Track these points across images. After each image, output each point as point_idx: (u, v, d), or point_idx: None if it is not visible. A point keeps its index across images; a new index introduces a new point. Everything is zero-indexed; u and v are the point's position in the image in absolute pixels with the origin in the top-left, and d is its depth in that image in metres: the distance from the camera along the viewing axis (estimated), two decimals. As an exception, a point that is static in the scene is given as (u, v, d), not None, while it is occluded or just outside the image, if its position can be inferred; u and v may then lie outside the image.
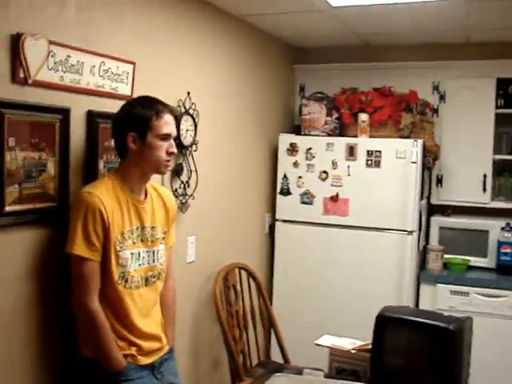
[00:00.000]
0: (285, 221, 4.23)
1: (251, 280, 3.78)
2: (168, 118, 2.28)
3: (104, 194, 2.18)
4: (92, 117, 2.45)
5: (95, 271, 2.17)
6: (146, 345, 2.32)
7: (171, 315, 2.58)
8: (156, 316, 2.44)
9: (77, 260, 2.15)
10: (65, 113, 2.31)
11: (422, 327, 2.57)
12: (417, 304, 4.05)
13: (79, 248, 2.13)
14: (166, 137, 2.27)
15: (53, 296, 2.33)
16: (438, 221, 4.25)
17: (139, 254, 2.31)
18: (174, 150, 2.32)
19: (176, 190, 3.12)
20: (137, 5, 2.74)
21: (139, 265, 2.31)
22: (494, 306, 3.89)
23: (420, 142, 3.86)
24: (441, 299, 3.98)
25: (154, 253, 2.38)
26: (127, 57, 2.64)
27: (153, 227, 2.38)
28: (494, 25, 3.79)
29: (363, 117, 4.01)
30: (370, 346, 2.61)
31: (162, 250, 2.43)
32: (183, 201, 3.17)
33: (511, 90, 4.19)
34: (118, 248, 2.22)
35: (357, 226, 4.02)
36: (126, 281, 2.25)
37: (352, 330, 3.28)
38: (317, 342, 2.84)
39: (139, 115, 2.24)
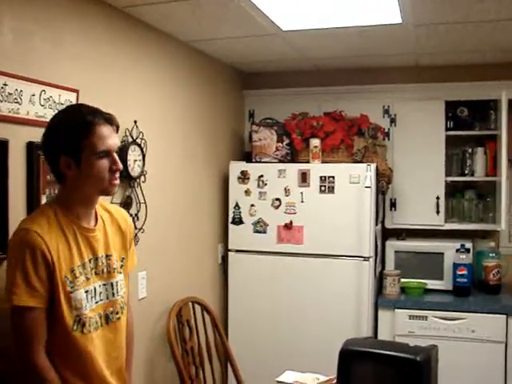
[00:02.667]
0: (238, 251, 4.10)
1: (206, 314, 3.63)
2: (103, 131, 1.92)
3: (44, 229, 1.87)
4: (32, 149, 2.27)
5: (39, 320, 1.86)
6: None
7: (129, 355, 2.26)
8: (120, 362, 2.14)
9: (17, 311, 1.84)
10: (2, 145, 2.14)
11: (388, 359, 2.51)
12: (376, 330, 3.98)
13: (19, 298, 1.82)
14: (104, 154, 1.93)
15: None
16: (393, 245, 4.21)
17: (95, 289, 2.00)
18: (119, 165, 1.98)
19: (125, 223, 2.97)
20: (79, 31, 2.61)
21: (96, 302, 2.01)
22: (452, 329, 3.85)
23: (373, 166, 3.82)
24: (399, 324, 3.92)
25: (112, 285, 2.08)
26: (70, 84, 2.50)
27: (107, 256, 2.08)
28: (442, 48, 3.81)
29: (315, 142, 3.95)
30: (334, 381, 2.52)
31: (122, 280, 2.13)
32: (133, 234, 3.01)
33: (459, 112, 4.23)
34: (68, 289, 1.90)
35: (312, 254, 3.93)
36: (84, 325, 1.94)
37: (314, 362, 3.19)
38: (278, 379, 2.72)
39: (66, 135, 1.90)
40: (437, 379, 2.66)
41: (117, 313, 2.11)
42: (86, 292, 1.97)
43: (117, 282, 2.11)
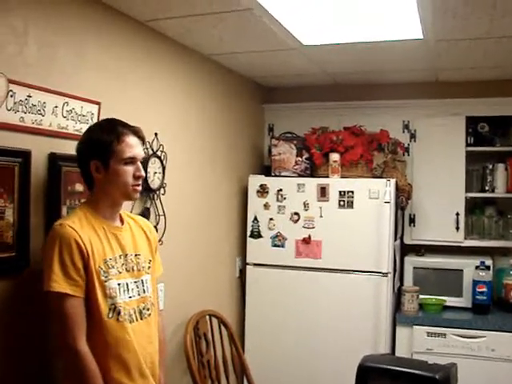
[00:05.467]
0: (256, 264, 4.09)
1: (223, 327, 3.62)
2: (131, 141, 2.14)
3: (76, 224, 2.03)
4: (54, 160, 2.31)
5: (80, 309, 1.98)
6: None
7: (162, 356, 2.37)
8: (154, 358, 2.23)
9: (57, 298, 1.95)
10: (25, 156, 2.17)
11: (406, 377, 2.49)
12: (393, 347, 3.93)
13: (58, 284, 1.94)
14: (130, 160, 2.13)
15: (16, 353, 2.15)
16: (411, 261, 4.17)
17: (127, 285, 2.13)
18: (142, 173, 2.18)
19: (144, 235, 2.98)
20: (102, 43, 2.64)
21: (129, 297, 2.13)
22: (472, 347, 3.79)
23: (393, 181, 3.80)
24: (418, 341, 3.87)
25: (142, 282, 2.21)
26: (92, 96, 2.52)
27: (136, 255, 2.22)
28: (461, 64, 3.81)
29: (334, 156, 3.95)
30: (351, 398, 2.49)
31: (150, 280, 2.26)
32: (151, 246, 3.02)
33: (480, 127, 4.20)
34: (102, 278, 2.03)
35: (331, 269, 3.91)
36: (119, 313, 2.06)
37: (331, 378, 3.17)
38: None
39: (99, 141, 2.11)
40: (456, 398, 2.63)
41: (148, 309, 2.21)
42: (119, 285, 2.10)
43: (146, 280, 2.24)
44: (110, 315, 2.03)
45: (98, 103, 2.56)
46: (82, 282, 1.99)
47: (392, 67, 3.91)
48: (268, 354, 4.02)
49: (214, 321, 3.59)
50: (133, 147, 2.14)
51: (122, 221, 2.25)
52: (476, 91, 4.15)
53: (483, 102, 4.10)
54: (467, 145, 4.14)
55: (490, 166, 4.20)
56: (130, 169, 2.13)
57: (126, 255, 2.17)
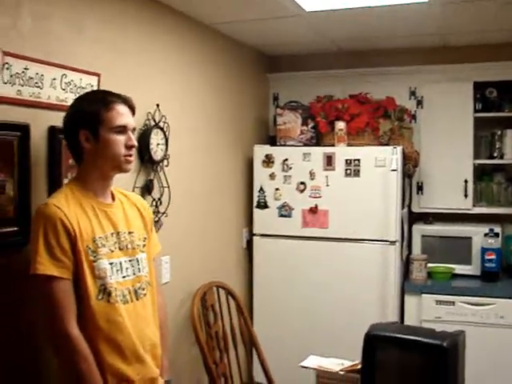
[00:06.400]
0: (263, 235, 4.08)
1: (230, 298, 3.62)
2: (121, 109, 2.04)
3: (62, 202, 1.93)
4: (54, 133, 2.27)
5: (68, 291, 1.89)
6: (142, 373, 2.06)
7: (164, 339, 2.25)
8: (154, 340, 2.14)
9: (44, 281, 1.87)
10: (24, 129, 2.14)
11: (414, 345, 2.46)
12: (402, 315, 3.93)
13: (43, 267, 1.85)
14: (121, 129, 2.03)
15: (14, 333, 2.13)
16: (420, 229, 4.14)
17: (121, 264, 2.03)
18: (134, 142, 2.08)
19: (148, 207, 2.96)
20: (99, 14, 2.59)
21: (123, 277, 2.03)
22: (480, 315, 3.79)
23: (399, 148, 3.76)
24: (426, 310, 3.87)
25: (137, 261, 2.11)
26: (91, 68, 2.48)
27: (130, 232, 2.12)
28: (469, 28, 3.74)
29: (340, 125, 3.90)
30: (359, 367, 2.48)
31: (145, 258, 2.16)
32: (155, 219, 2.99)
33: (489, 93, 4.13)
34: (91, 258, 1.94)
35: (338, 238, 3.90)
36: (109, 294, 1.96)
37: (338, 347, 3.16)
38: (302, 364, 2.69)
39: (87, 109, 2.01)
40: (464, 366, 2.61)
41: (143, 289, 2.13)
42: (111, 264, 2.01)
43: (141, 259, 2.14)
44: (100, 297, 1.95)
45: (98, 75, 2.52)
46: (70, 263, 1.90)
47: (397, 32, 3.84)
48: (276, 325, 4.03)
49: (222, 292, 3.59)
50: (123, 115, 2.04)
51: (113, 198, 2.15)
52: (484, 56, 4.06)
53: (491, 67, 4.02)
54: (475, 111, 4.08)
55: (499, 132, 4.13)
56: (121, 138, 2.03)
57: (119, 233, 2.07)
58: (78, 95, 2.32)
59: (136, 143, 2.10)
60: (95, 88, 2.49)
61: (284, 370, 3.51)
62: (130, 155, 2.08)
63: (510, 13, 3.33)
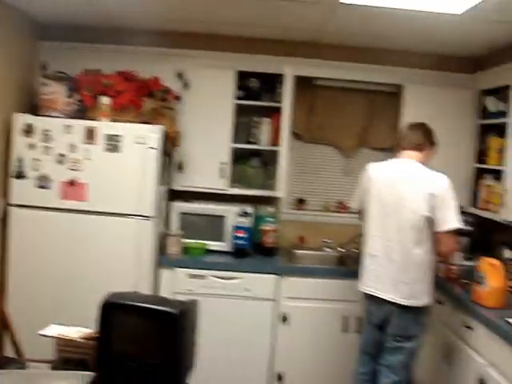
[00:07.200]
0: (20, 206, 3.97)
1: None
2: None
3: None
4: None
5: None
6: None
7: None
8: None
9: None
10: None
11: (146, 312, 2.60)
12: (157, 288, 4.08)
13: None
14: None
15: None
16: (178, 206, 4.32)
17: None
18: None
19: None
20: None
21: None
22: (229, 288, 4.08)
23: (160, 127, 3.88)
24: (179, 283, 4.07)
25: None
26: None
27: None
28: (237, 20, 3.95)
29: (104, 100, 3.92)
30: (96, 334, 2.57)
31: None
32: None
33: (251, 82, 4.42)
34: None
35: (96, 212, 3.93)
36: None
37: (89, 319, 3.19)
38: (41, 332, 2.72)
39: None
40: (195, 331, 2.80)
41: None
42: None
43: None
44: None
45: None
46: None
47: (166, 15, 3.94)
48: (30, 299, 3.95)
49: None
50: None
51: None
52: (247, 47, 4.34)
53: (254, 59, 4.31)
54: (237, 98, 4.34)
55: (257, 120, 4.45)
56: None
57: None
58: None
59: None
60: None
61: (34, 341, 3.43)
62: None
63: (263, 11, 3.60)
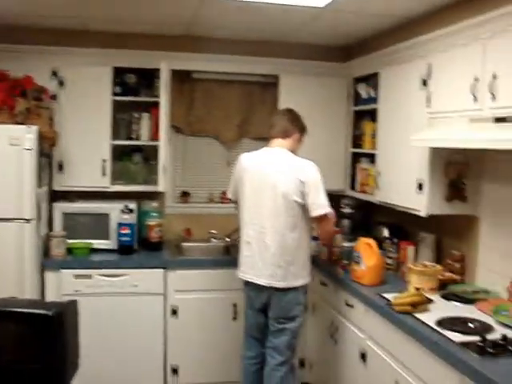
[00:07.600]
0: None
1: None
2: None
3: None
4: None
5: None
6: None
7: None
8: None
9: None
10: None
11: (20, 317, 2.56)
12: (42, 292, 4.00)
13: None
14: None
15: None
16: (60, 207, 4.24)
17: None
18: None
19: None
20: None
21: None
22: (117, 285, 4.06)
23: (35, 128, 3.79)
24: (66, 284, 4.00)
25: None
26: None
27: None
28: (109, 16, 3.95)
29: (-34, 101, 3.78)
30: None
31: None
32: None
33: (128, 78, 4.41)
34: None
35: (-29, 218, 3.79)
36: None
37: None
38: None
39: None
40: (77, 332, 2.79)
41: None
42: None
43: None
44: None
45: None
46: None
47: (39, 12, 3.86)
48: None
49: None
50: None
51: None
52: (122, 43, 4.32)
53: (130, 54, 4.31)
54: (115, 94, 4.32)
55: (137, 115, 4.45)
56: None
57: None
58: None
59: None
60: None
61: None
62: None
63: (135, 6, 3.61)
